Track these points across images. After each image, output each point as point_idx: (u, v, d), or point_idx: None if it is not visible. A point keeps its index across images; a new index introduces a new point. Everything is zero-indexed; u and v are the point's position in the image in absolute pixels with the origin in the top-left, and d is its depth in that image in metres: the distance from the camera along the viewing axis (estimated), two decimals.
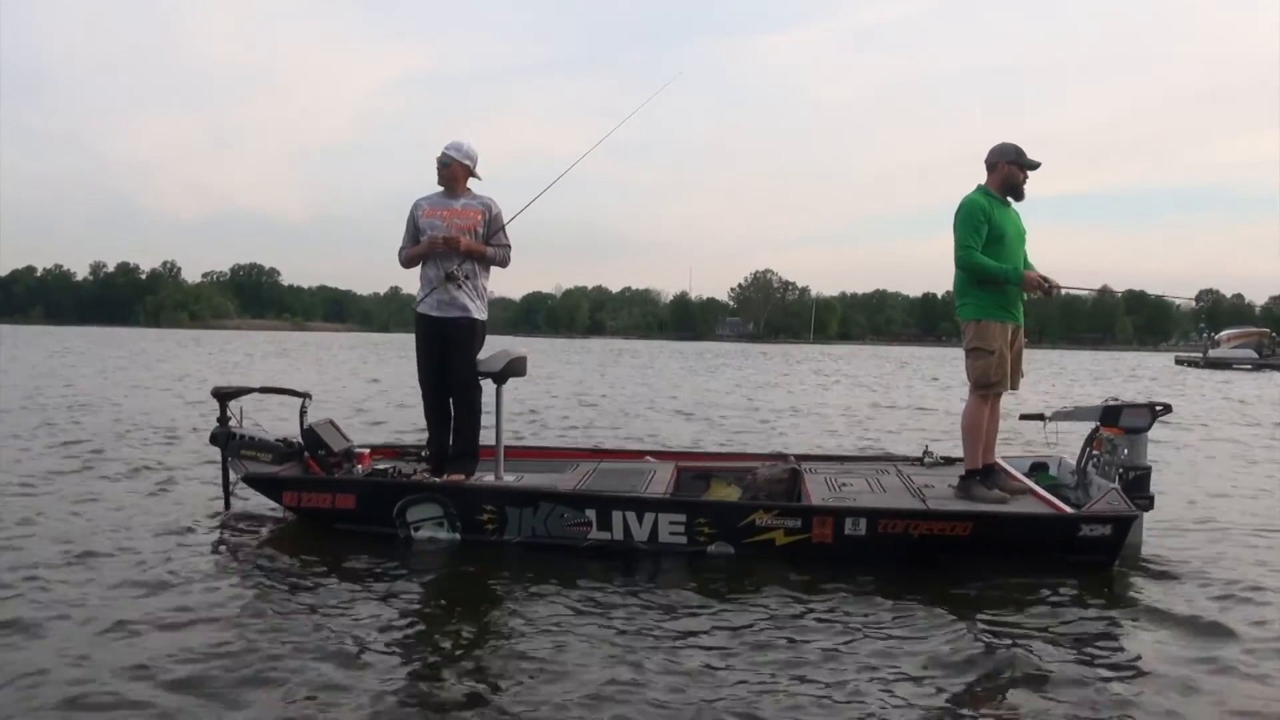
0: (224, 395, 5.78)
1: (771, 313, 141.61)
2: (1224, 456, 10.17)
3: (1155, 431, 5.70)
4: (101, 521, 5.67)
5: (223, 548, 5.21)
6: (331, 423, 6.09)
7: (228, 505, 5.90)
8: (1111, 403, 5.58)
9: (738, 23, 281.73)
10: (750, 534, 5.01)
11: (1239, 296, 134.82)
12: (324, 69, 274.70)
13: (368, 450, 6.17)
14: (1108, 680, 3.41)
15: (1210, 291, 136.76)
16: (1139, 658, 3.67)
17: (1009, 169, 5.39)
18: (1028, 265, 5.54)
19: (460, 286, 5.73)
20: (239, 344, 51.52)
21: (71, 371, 21.60)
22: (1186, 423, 13.99)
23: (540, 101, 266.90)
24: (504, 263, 5.92)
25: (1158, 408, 5.45)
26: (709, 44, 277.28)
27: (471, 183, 5.93)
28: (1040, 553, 4.83)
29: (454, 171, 5.83)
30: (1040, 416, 6.23)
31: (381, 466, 6.04)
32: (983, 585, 4.52)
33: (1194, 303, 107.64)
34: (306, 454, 5.74)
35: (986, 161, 5.46)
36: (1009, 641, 3.78)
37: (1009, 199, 5.47)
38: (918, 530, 4.88)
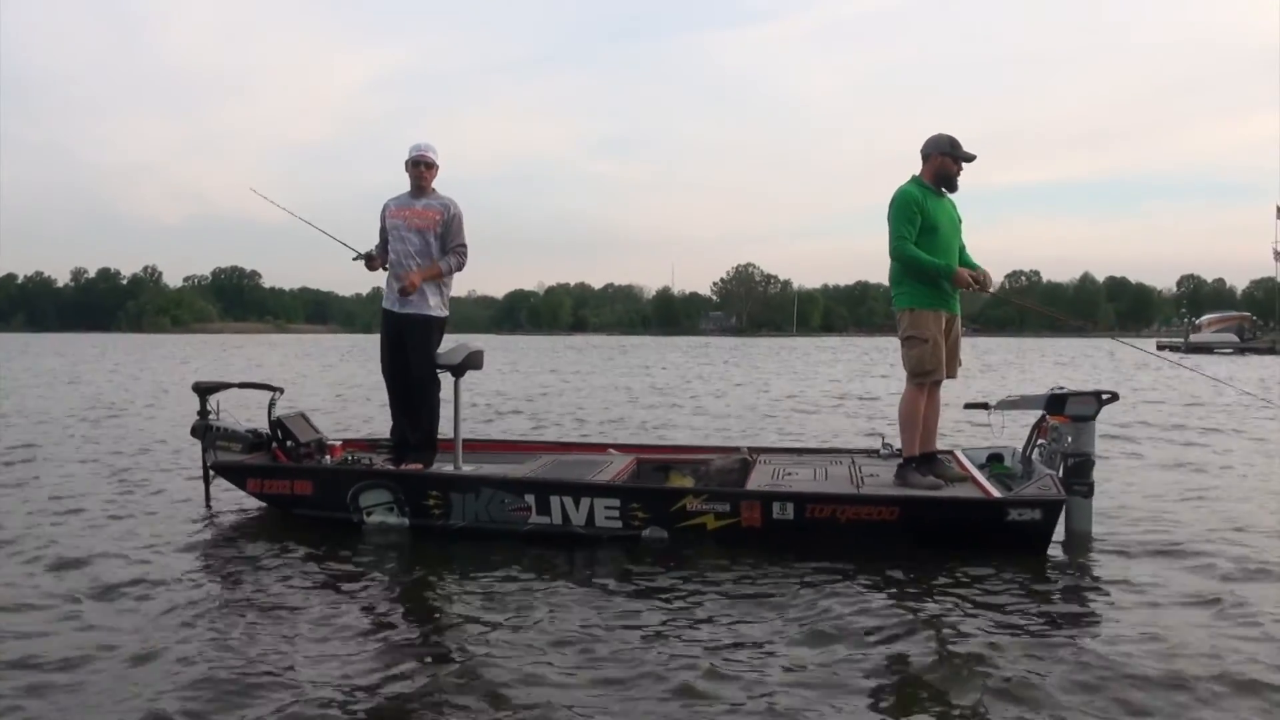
0: (204, 390, 6.04)
1: (754, 306, 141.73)
2: (1193, 439, 10.18)
3: (1123, 418, 5.72)
4: (77, 523, 5.76)
5: (197, 542, 5.30)
6: (303, 416, 6.34)
7: (208, 496, 6.15)
8: (1057, 390, 5.57)
9: (716, 17, 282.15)
10: (681, 519, 5.11)
11: (1220, 281, 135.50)
12: (302, 70, 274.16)
13: (340, 442, 6.38)
14: (1047, 663, 3.40)
15: (1191, 277, 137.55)
16: (1074, 639, 3.68)
17: (942, 160, 5.47)
18: (964, 255, 5.64)
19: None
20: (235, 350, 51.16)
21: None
22: (1162, 407, 14.11)
23: (520, 99, 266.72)
24: (459, 268, 6.06)
25: (1104, 395, 5.45)
26: (689, 39, 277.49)
27: (437, 182, 6.08)
28: (970, 537, 4.89)
29: (424, 171, 5.98)
30: (985, 405, 6.27)
31: (348, 456, 6.21)
32: (913, 571, 4.55)
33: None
34: (274, 444, 5.95)
35: (921, 152, 5.54)
36: (939, 626, 3.82)
37: (943, 190, 5.55)
38: (845, 514, 4.95)
